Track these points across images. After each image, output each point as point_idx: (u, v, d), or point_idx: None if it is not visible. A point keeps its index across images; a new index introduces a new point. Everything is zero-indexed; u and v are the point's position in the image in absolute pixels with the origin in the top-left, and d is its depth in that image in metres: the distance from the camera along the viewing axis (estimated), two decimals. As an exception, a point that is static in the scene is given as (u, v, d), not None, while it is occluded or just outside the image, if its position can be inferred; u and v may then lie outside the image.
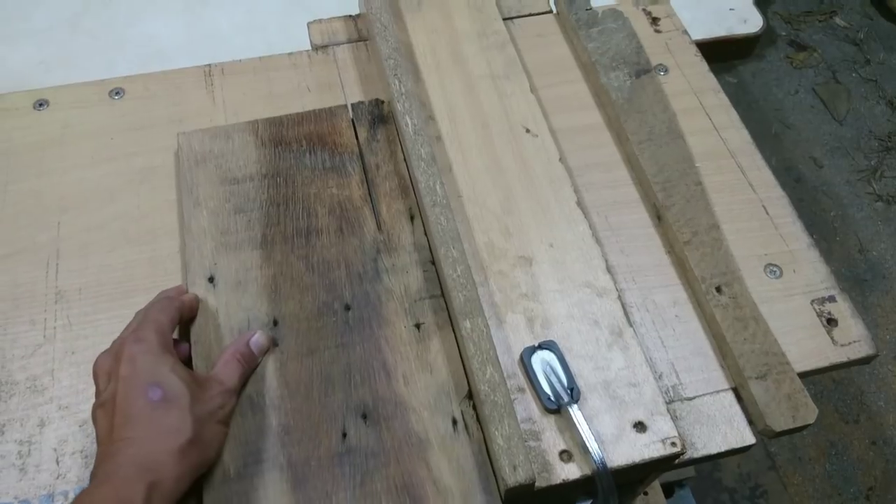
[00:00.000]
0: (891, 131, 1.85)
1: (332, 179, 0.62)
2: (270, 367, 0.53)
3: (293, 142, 0.64)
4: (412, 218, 0.61)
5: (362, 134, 0.65)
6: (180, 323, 0.53)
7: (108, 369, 0.47)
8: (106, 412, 0.45)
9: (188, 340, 0.54)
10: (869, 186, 1.76)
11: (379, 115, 0.67)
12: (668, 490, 1.09)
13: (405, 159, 0.63)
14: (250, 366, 0.52)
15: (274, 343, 0.54)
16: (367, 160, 0.64)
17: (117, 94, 0.69)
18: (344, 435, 0.50)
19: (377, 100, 0.68)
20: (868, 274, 1.63)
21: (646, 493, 1.06)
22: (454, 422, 0.51)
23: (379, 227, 0.60)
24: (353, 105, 0.67)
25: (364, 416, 0.51)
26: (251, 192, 0.61)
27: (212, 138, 0.64)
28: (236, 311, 0.55)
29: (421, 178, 0.59)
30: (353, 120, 0.66)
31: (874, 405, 1.46)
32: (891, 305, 1.59)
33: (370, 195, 0.62)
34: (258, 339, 0.53)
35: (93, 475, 0.43)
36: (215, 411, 0.47)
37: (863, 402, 1.46)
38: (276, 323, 0.55)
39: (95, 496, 0.41)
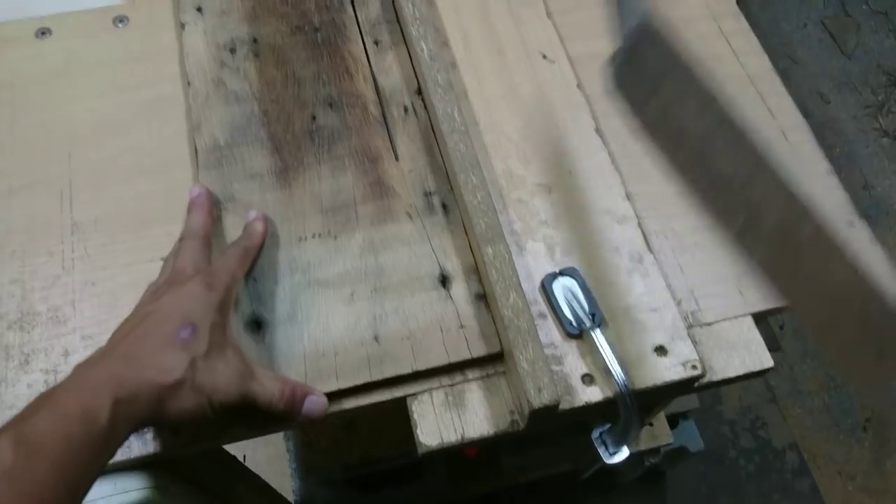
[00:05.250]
0: (899, 66, 1.83)
1: None
2: (252, 71, 0.63)
3: None
4: None
5: None
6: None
7: (170, 277, 0.49)
8: (134, 320, 0.46)
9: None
10: (875, 122, 1.75)
11: None
12: (672, 421, 1.11)
13: (433, 130, 0.61)
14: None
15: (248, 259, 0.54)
16: None
17: (121, 21, 0.67)
18: (314, 117, 0.61)
19: None
20: (872, 210, 1.63)
21: (651, 425, 1.08)
22: (405, 109, 0.62)
23: None
24: None
25: (331, 105, 0.62)
26: None
27: None
28: (221, 32, 0.65)
29: (438, 104, 0.58)
30: None
31: (874, 339, 1.48)
32: (893, 242, 1.60)
33: None
34: (314, 402, 0.49)
35: (75, 367, 0.42)
36: (211, 392, 0.45)
37: (863, 336, 1.48)
38: (255, 40, 0.65)
39: (60, 401, 0.39)
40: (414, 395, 0.52)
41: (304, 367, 0.51)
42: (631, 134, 0.64)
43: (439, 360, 0.51)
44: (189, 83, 0.62)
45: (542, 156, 0.60)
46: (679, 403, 1.09)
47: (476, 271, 0.54)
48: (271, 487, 0.86)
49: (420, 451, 0.50)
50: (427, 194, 0.58)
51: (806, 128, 0.65)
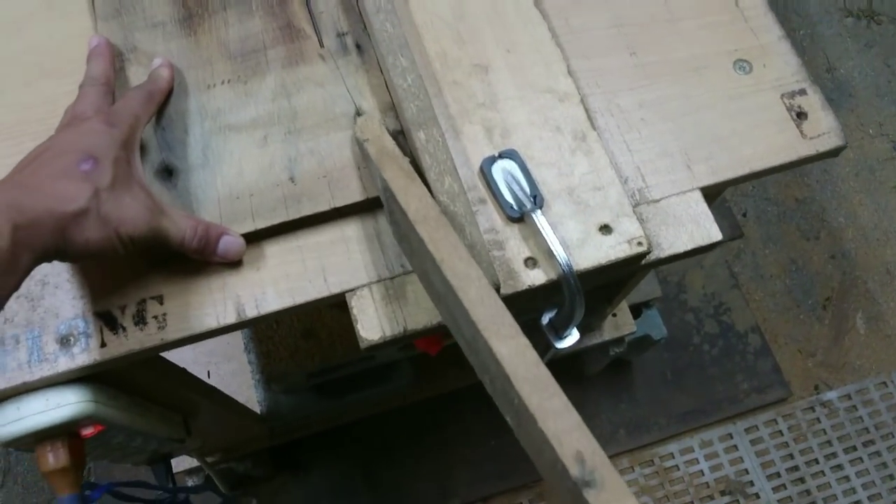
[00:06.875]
0: (865, -61, 1.76)
1: None
2: None
3: None
4: None
5: None
6: None
7: (69, 119, 0.48)
8: (30, 156, 0.45)
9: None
10: (839, 1, 1.70)
11: None
12: (636, 311, 1.12)
13: None
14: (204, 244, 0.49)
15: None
16: None
17: None
18: None
19: None
20: (835, 93, 1.61)
21: (614, 315, 1.09)
22: None
23: None
24: None
25: None
26: None
27: None
28: None
29: (361, -19, 0.53)
30: None
31: (834, 221, 1.49)
32: (855, 123, 1.59)
33: None
34: (229, 242, 0.50)
35: None
36: (119, 224, 0.44)
37: (823, 219, 1.49)
38: None
39: None
40: (353, 290, 0.50)
41: (219, 211, 0.50)
42: (574, 6, 0.60)
43: (356, 195, 0.51)
44: None
45: (478, 35, 0.56)
46: (641, 293, 1.10)
47: (393, 108, 0.53)
48: (231, 398, 0.85)
49: (362, 345, 0.49)
50: (340, 35, 0.56)
51: (757, -8, 0.61)
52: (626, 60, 0.58)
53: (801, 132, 0.56)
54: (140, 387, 0.61)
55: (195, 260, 0.49)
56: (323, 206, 0.51)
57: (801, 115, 0.57)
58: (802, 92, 0.58)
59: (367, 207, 0.52)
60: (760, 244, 1.47)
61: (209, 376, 1.00)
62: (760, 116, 0.57)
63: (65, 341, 0.48)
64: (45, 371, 0.48)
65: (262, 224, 0.51)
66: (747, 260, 1.45)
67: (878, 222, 1.49)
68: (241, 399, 0.93)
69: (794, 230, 1.48)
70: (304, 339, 0.87)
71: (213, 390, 0.79)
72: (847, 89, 1.63)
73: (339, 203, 0.51)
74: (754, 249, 1.46)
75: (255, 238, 0.51)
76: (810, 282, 1.44)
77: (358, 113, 0.53)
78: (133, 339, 0.49)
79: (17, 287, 0.41)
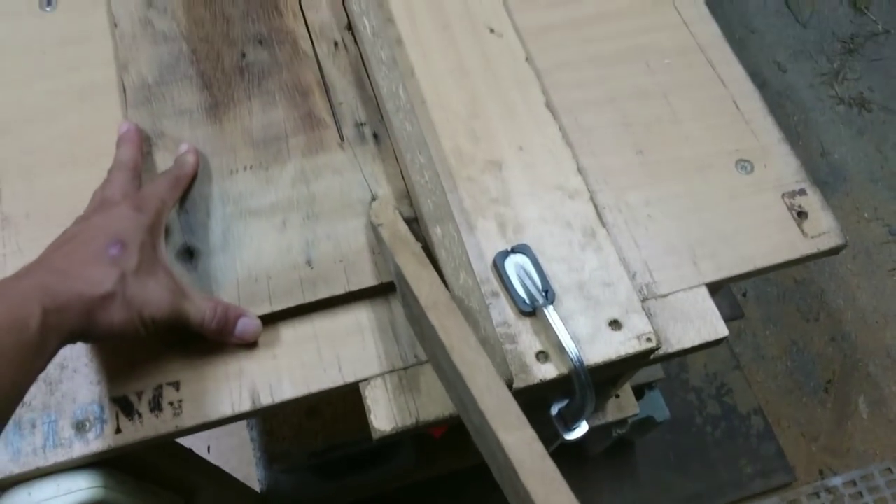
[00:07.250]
0: (853, 33, 1.84)
1: None
2: (179, 10, 0.63)
3: None
4: None
5: None
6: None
7: (98, 203, 0.49)
8: (61, 240, 0.46)
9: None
10: (831, 89, 1.76)
11: None
12: (639, 392, 1.12)
13: (363, 64, 0.60)
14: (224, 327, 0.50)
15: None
16: None
17: (49, 3, 0.64)
18: (243, 54, 0.61)
19: None
20: (829, 177, 1.65)
21: (617, 396, 1.09)
22: (335, 44, 0.62)
23: None
24: None
25: (260, 42, 0.62)
26: None
27: None
28: None
29: (382, 82, 0.56)
30: None
31: (833, 303, 1.50)
32: (850, 207, 1.62)
33: None
34: (247, 323, 0.51)
35: (0, 281, 0.42)
36: (142, 307, 0.45)
37: (823, 300, 1.51)
38: None
39: None
40: (366, 380, 0.51)
41: (237, 292, 0.52)
42: (583, 106, 0.63)
43: (371, 280, 0.53)
44: (115, 24, 0.61)
45: (492, 132, 0.59)
46: (644, 374, 1.10)
47: (407, 195, 0.55)
48: (232, 477, 0.84)
49: (374, 436, 0.49)
50: (358, 125, 0.58)
51: (757, 95, 0.64)
52: (632, 159, 0.61)
53: (802, 231, 0.58)
54: (145, 467, 0.60)
55: (212, 343, 0.50)
56: (338, 290, 0.52)
57: (801, 215, 0.59)
58: (803, 192, 0.60)
59: (381, 292, 0.53)
60: (761, 325, 1.48)
61: (209, 451, 0.99)
62: (763, 215, 0.59)
63: (80, 426, 0.49)
64: (60, 456, 0.48)
65: (278, 306, 0.52)
66: (748, 340, 1.46)
67: (876, 305, 1.51)
68: (240, 476, 0.92)
69: (794, 311, 1.50)
70: (308, 417, 0.87)
71: (215, 470, 0.78)
72: (842, 174, 1.67)
73: (354, 287, 0.52)
74: (755, 330, 1.47)
75: (272, 320, 0.52)
76: (811, 364, 1.44)
77: (373, 199, 0.55)
78: (148, 426, 0.49)
79: (43, 369, 0.42)
